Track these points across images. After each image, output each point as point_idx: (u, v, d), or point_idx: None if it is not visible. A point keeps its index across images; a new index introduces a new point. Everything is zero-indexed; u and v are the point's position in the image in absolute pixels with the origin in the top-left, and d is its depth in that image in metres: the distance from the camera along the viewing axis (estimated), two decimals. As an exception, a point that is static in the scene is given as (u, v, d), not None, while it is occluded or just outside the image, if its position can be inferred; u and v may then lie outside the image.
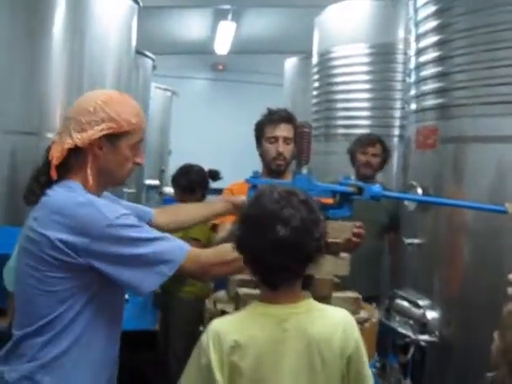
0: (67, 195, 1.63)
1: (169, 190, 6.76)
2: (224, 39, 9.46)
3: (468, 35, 2.55)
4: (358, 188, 2.03)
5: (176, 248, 1.67)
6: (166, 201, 7.21)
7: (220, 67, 11.56)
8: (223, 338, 1.48)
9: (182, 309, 3.49)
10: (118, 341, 1.81)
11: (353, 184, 2.07)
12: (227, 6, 8.01)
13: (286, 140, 2.66)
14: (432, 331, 2.57)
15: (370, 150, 3.59)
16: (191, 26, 9.30)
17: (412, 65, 3.03)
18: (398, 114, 4.44)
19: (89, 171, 1.68)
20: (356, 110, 4.60)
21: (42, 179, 1.69)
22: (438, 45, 2.72)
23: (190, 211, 2.24)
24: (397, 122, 4.43)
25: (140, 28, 4.24)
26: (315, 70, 5.04)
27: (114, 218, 1.59)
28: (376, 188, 2.02)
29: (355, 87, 4.60)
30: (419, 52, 2.90)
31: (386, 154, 3.65)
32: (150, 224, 2.03)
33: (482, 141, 2.52)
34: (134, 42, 4.15)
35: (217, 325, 1.53)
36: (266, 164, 2.73)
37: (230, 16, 8.33)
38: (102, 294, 1.66)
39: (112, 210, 1.62)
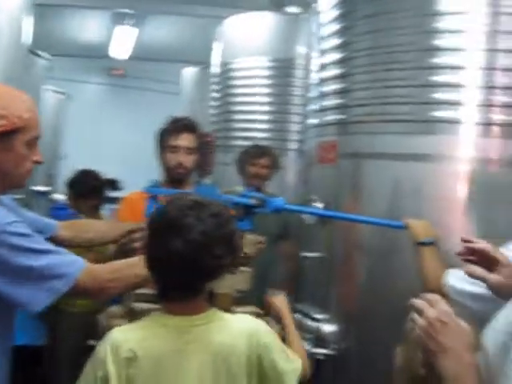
0: None
1: (59, 196, 6.46)
2: (121, 44, 9.24)
3: (368, 54, 2.62)
4: (261, 200, 2.02)
5: (71, 262, 1.56)
6: (56, 208, 6.88)
7: (116, 72, 11.26)
8: (120, 348, 1.40)
9: (73, 324, 3.32)
10: (9, 358, 1.67)
11: (255, 196, 2.06)
12: (125, 10, 7.86)
13: (187, 150, 2.61)
14: (329, 345, 2.59)
15: (259, 161, 3.62)
16: (89, 28, 9.03)
17: (313, 80, 3.07)
18: (295, 127, 4.51)
19: None
20: (254, 123, 4.63)
21: None
22: (340, 62, 2.77)
23: (99, 230, 2.13)
24: (294, 136, 4.50)
25: (36, 27, 4.03)
26: (214, 80, 5.02)
27: (4, 223, 1.47)
28: (278, 201, 2.03)
29: (254, 99, 4.64)
30: (321, 68, 2.94)
31: (274, 165, 3.69)
32: (53, 238, 1.91)
33: (378, 158, 2.59)
34: (26, 40, 3.93)
35: (115, 335, 1.45)
36: (166, 173, 2.66)
37: (128, 21, 8.17)
38: None
39: (2, 215, 1.50)
